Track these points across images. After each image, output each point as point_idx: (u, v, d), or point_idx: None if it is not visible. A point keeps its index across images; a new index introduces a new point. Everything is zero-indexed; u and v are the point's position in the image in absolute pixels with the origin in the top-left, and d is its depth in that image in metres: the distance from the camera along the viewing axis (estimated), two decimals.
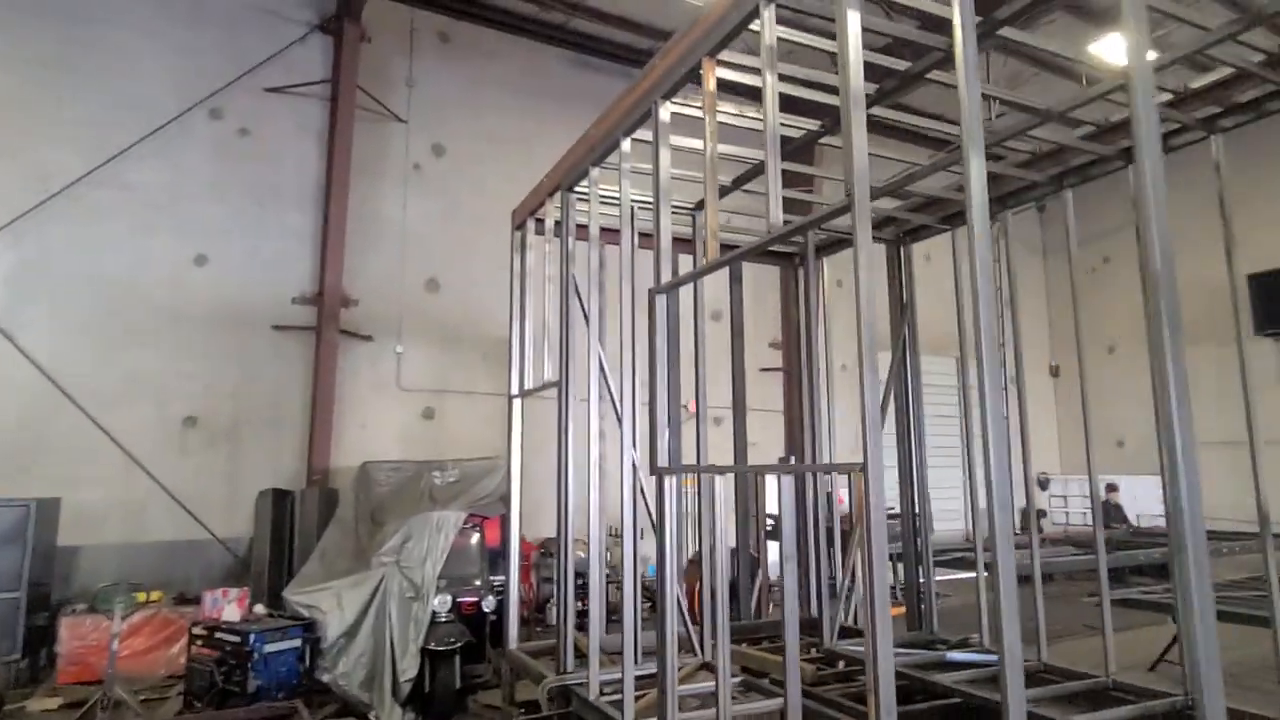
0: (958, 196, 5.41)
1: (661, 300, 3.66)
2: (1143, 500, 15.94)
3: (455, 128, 12.70)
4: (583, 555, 11.93)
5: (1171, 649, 8.51)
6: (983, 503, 5.42)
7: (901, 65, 4.11)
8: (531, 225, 6.01)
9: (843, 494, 12.91)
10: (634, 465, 4.25)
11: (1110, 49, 11.10)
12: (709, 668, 4.97)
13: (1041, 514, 16.22)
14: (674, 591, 3.49)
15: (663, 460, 3.51)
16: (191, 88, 10.78)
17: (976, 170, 2.62)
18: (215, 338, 10.58)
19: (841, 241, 6.69)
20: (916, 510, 5.90)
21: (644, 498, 4.84)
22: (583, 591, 10.53)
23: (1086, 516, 17.05)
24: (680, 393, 5.69)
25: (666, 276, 3.62)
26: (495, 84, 13.10)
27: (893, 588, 10.27)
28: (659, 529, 3.48)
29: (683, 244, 6.64)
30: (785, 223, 2.93)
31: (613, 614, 9.53)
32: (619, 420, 4.77)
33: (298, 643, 6.81)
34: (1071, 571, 11.94)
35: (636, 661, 4.26)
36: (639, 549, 4.84)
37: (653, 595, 10.54)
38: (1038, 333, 18.60)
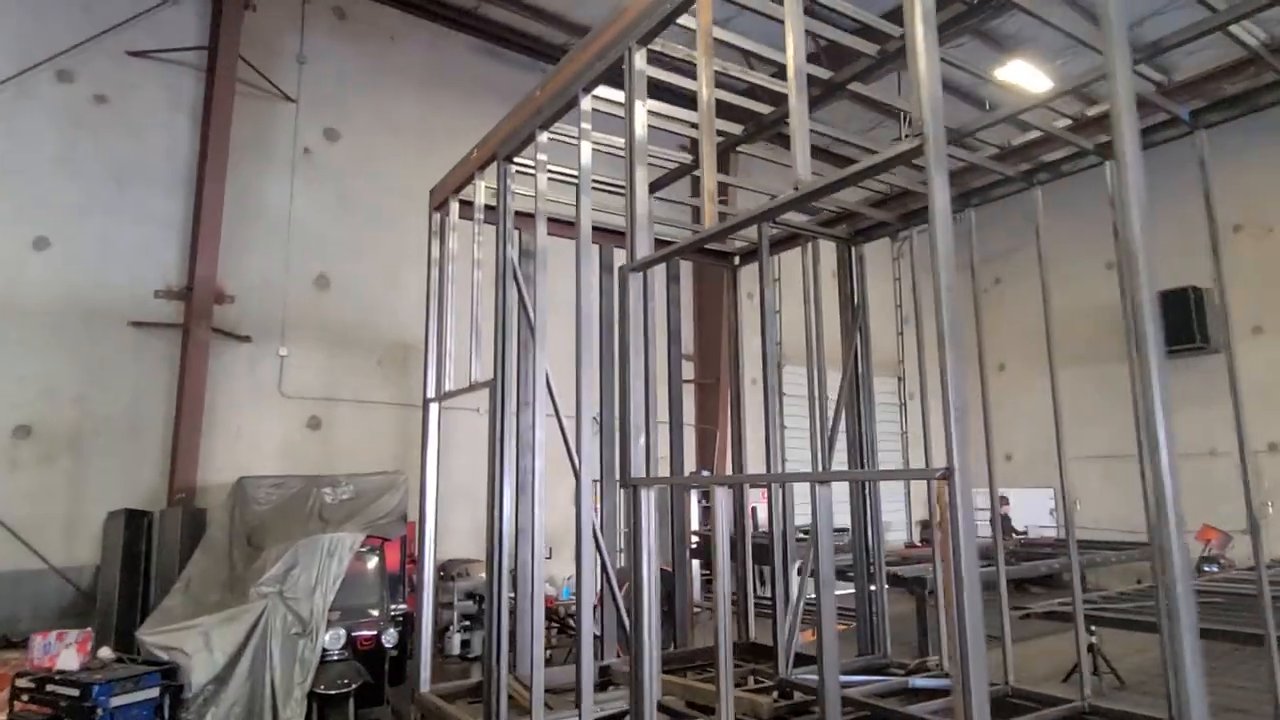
0: (921, 189, 5.10)
1: (637, 281, 3.08)
2: (1031, 512, 16.60)
3: (351, 112, 11.65)
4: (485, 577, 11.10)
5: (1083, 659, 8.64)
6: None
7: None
8: (455, 207, 5.28)
9: (755, 507, 12.62)
10: (581, 476, 3.62)
11: (1015, 74, 11.41)
12: (665, 710, 4.37)
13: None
14: (654, 622, 2.89)
15: (637, 470, 2.92)
16: (35, 43, 9.30)
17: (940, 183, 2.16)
18: (57, 334, 9.11)
19: (780, 241, 6.30)
20: (869, 526, 5.53)
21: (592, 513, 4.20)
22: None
23: (979, 529, 17.60)
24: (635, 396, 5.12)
25: (644, 251, 3.04)
26: (396, 69, 12.15)
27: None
28: (634, 549, 2.88)
29: (619, 236, 6.07)
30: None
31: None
32: (561, 426, 4.13)
33: (154, 693, 5.69)
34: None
35: (580, 706, 3.62)
36: (542, 570, 4.21)
37: (562, 622, 9.80)
38: (933, 349, 19.17)
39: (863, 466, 5.54)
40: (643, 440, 3.05)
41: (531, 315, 4.21)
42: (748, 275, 6.83)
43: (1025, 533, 16.03)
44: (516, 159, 4.41)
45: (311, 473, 8.93)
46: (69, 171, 9.43)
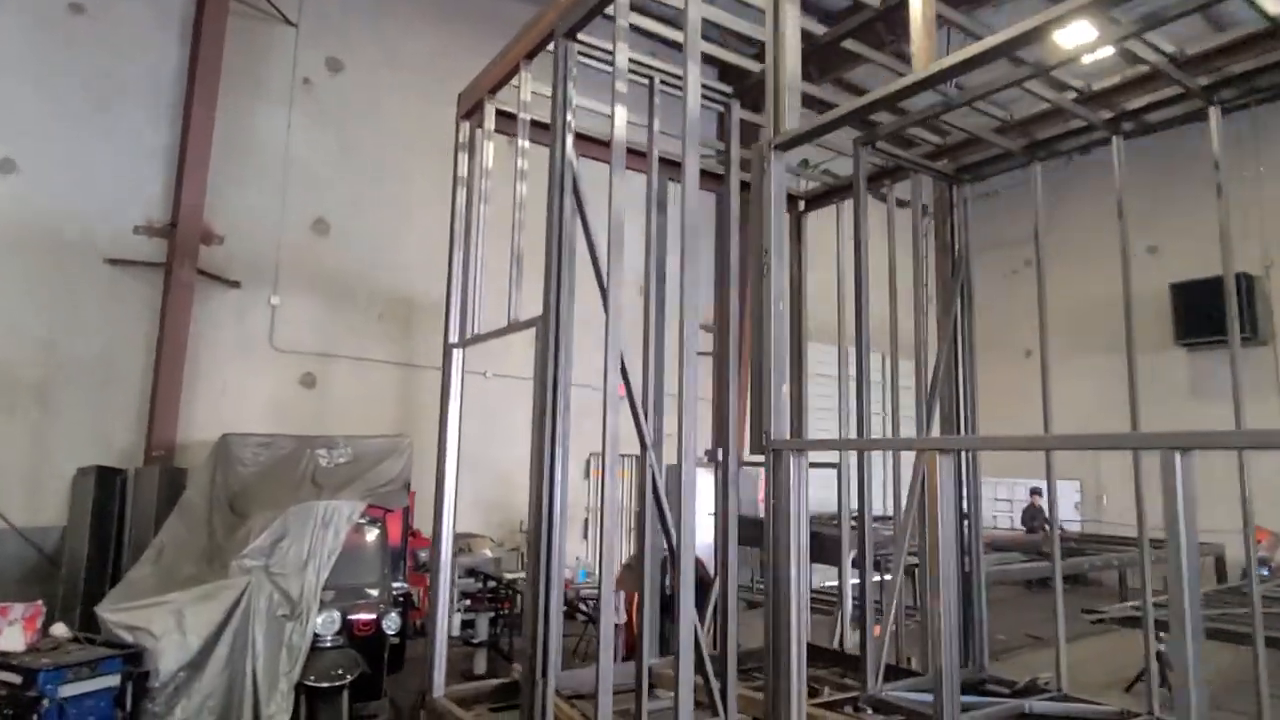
0: (1078, 110, 4.16)
1: (780, 167, 2.20)
2: (1058, 505, 15.83)
3: (356, 43, 10.62)
4: (489, 554, 10.28)
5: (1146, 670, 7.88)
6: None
7: None
8: (490, 111, 4.34)
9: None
10: (683, 444, 2.75)
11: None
12: None
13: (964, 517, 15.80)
14: (804, 631, 2.04)
15: (780, 429, 2.06)
16: None
17: None
18: (22, 268, 8.15)
19: (833, 192, 5.40)
20: (967, 518, 4.69)
21: (656, 486, 3.34)
22: (492, 600, 8.88)
23: (998, 520, 16.85)
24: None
25: (793, 123, 2.17)
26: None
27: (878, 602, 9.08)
28: (775, 533, 2.04)
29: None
30: None
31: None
32: (628, 385, 3.26)
33: (115, 681, 4.83)
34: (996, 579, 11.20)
35: None
36: (562, 549, 3.33)
37: (572, 605, 8.85)
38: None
39: (961, 448, 4.68)
40: (785, 389, 2.18)
41: (595, 240, 3.31)
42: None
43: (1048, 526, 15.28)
44: (580, 35, 3.48)
45: (303, 434, 8.04)
46: (40, 86, 8.42)
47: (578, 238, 3.55)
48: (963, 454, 4.75)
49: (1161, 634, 7.87)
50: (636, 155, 4.84)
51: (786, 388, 2.22)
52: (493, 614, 8.61)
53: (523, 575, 9.08)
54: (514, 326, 3.75)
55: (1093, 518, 16.32)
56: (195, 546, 6.00)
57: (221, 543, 5.93)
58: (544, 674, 3.00)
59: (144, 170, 8.96)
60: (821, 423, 14.28)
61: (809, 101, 4.56)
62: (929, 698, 4.00)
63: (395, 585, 6.53)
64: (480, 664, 8.05)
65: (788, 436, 2.10)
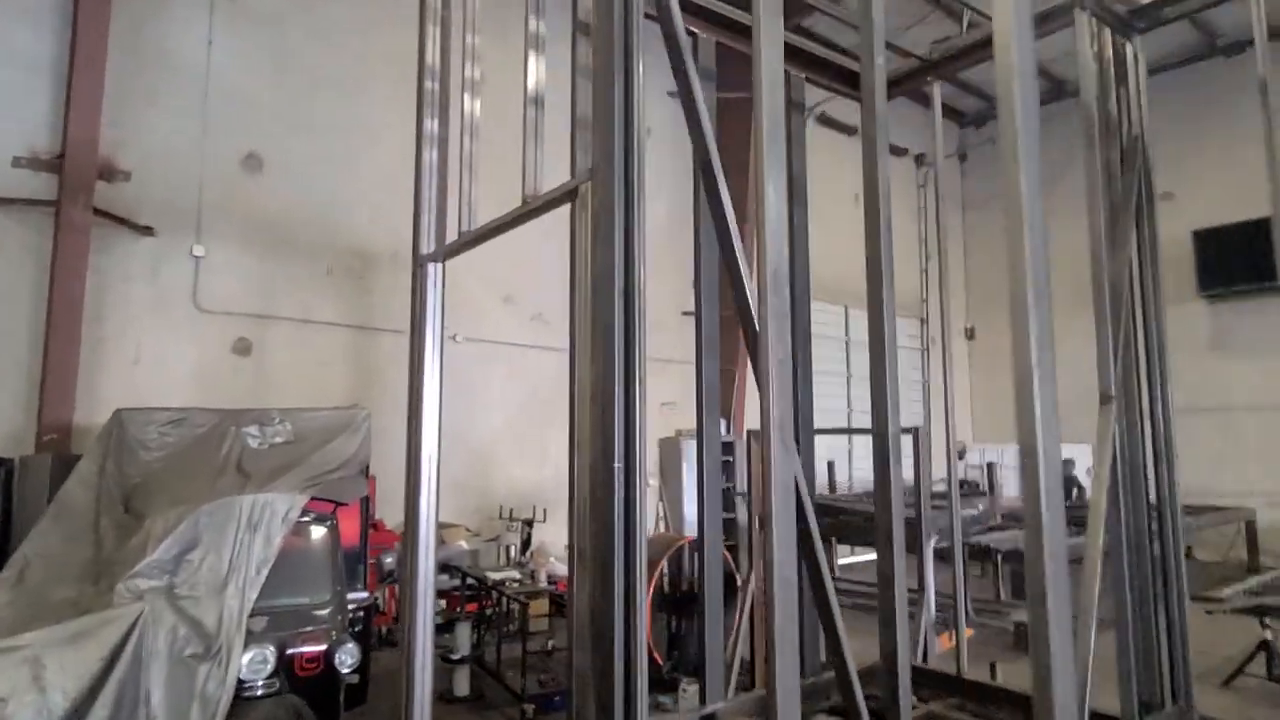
0: None
1: None
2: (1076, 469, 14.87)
3: None
4: (464, 545, 8.80)
5: (1252, 659, 6.83)
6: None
7: None
8: None
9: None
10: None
11: None
12: None
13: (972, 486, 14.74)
14: None
15: None
16: None
17: None
18: None
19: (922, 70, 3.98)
20: (1155, 497, 3.35)
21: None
22: (471, 599, 7.46)
23: (1006, 489, 15.87)
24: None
25: None
26: None
27: (947, 603, 7.73)
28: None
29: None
30: None
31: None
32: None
33: None
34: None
35: None
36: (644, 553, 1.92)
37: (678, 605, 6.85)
38: (954, 291, 17.18)
39: (1153, 408, 3.33)
40: None
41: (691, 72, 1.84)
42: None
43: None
44: None
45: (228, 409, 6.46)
46: None
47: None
48: (1150, 414, 3.40)
49: (1268, 619, 6.84)
50: None
51: None
52: (475, 619, 7.21)
53: (511, 574, 7.64)
54: (533, 207, 2.25)
55: None
56: (75, 561, 4.43)
57: (112, 555, 4.37)
58: None
59: (23, 89, 7.20)
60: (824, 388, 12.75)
61: None
62: None
63: (353, 597, 5.03)
64: (462, 684, 6.62)
65: None
